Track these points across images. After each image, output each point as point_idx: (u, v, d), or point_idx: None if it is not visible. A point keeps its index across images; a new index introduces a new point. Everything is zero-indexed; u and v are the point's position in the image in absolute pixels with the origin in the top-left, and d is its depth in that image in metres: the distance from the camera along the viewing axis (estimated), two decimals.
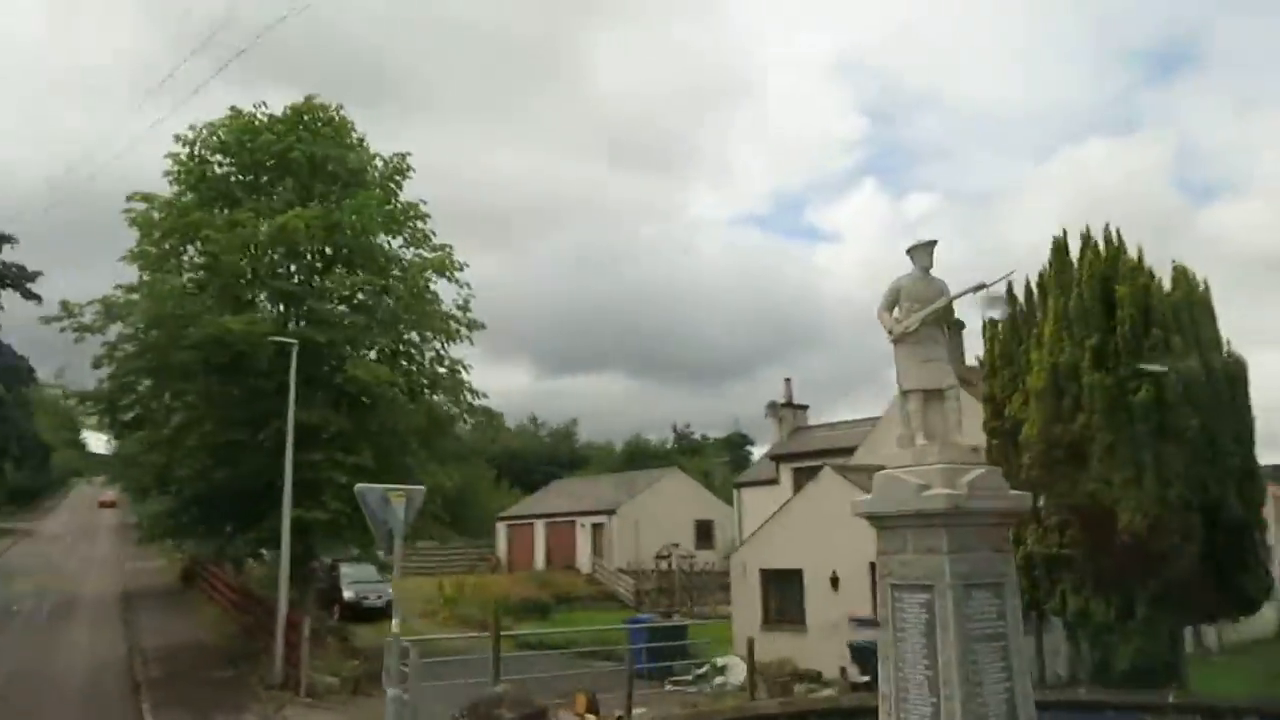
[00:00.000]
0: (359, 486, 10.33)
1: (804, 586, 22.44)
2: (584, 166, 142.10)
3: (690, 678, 19.04)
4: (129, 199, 21.61)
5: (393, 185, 24.38)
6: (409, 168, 23.96)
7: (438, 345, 23.82)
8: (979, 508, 8.67)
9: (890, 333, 9.51)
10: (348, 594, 32.61)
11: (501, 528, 56.70)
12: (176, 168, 22.44)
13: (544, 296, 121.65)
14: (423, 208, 24.28)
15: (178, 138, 22.21)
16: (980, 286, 9.37)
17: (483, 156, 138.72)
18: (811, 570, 22.24)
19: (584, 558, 49.96)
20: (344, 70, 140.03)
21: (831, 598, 21.56)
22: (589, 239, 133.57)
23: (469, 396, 24.03)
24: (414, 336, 22.63)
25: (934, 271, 9.64)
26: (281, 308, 21.21)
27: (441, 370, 23.82)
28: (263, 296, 21.13)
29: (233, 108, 23.13)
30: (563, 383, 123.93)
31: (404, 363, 22.42)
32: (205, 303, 19.87)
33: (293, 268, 21.48)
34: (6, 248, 38.00)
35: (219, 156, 22.93)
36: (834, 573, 21.50)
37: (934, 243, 9.67)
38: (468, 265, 23.91)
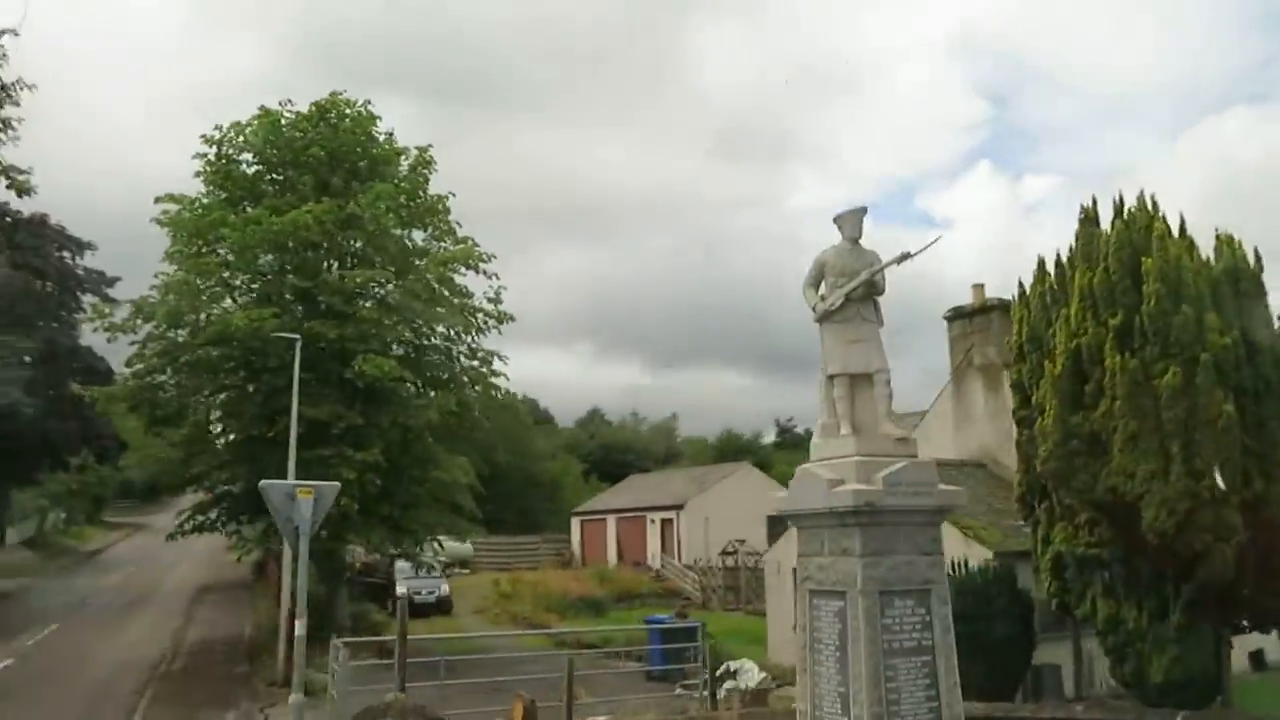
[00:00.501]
0: (262, 483, 9.94)
1: None
2: (690, 160, 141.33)
3: (698, 681, 18.23)
4: (157, 200, 22.04)
5: (419, 178, 24.32)
6: (432, 160, 23.84)
7: (467, 338, 23.68)
8: (898, 505, 7.74)
9: (814, 310, 8.60)
10: (400, 590, 32.74)
11: (576, 522, 56.56)
12: (205, 167, 22.75)
13: (654, 291, 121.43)
14: (448, 201, 24.22)
15: (205, 138, 22.55)
16: (905, 256, 8.38)
17: (593, 153, 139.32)
18: None
19: (654, 553, 49.35)
20: (454, 73, 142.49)
21: None
22: (697, 232, 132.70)
23: (497, 390, 23.77)
24: (437, 329, 22.41)
25: (865, 242, 8.72)
26: (300, 304, 21.26)
27: (474, 363, 23.67)
28: (283, 293, 21.21)
29: (261, 107, 23.35)
30: (672, 377, 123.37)
31: (429, 356, 22.27)
32: (224, 300, 20.05)
33: (305, 262, 21.50)
34: (88, 254, 39.49)
35: (246, 155, 23.18)
36: None
37: (863, 210, 8.73)
38: (495, 257, 23.73)
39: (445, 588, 32.98)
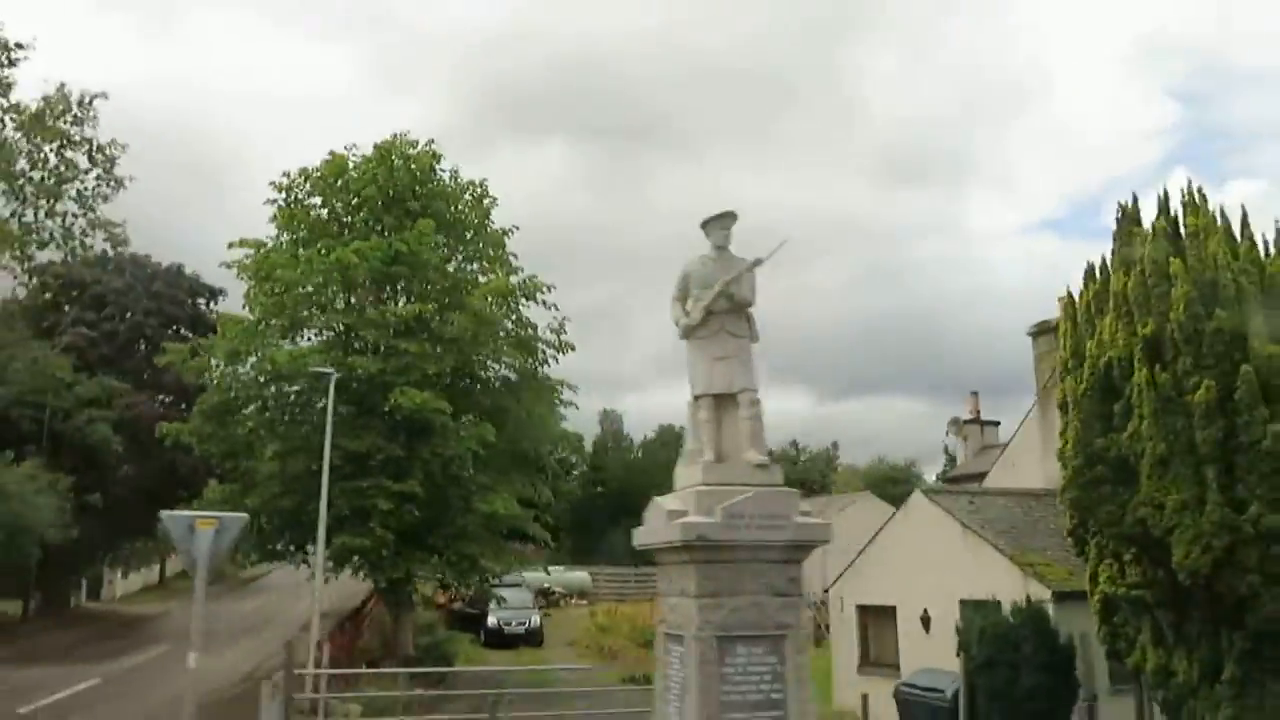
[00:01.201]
0: (163, 513, 9.97)
1: (897, 626, 19.86)
2: (857, 186, 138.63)
3: None
4: (230, 245, 23.23)
5: (482, 213, 24.78)
6: (485, 194, 24.24)
7: (527, 368, 23.83)
8: (741, 540, 6.94)
9: (677, 326, 7.90)
10: (490, 620, 32.99)
11: None
12: (277, 212, 23.82)
13: (823, 320, 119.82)
14: (508, 234, 24.60)
15: (274, 184, 23.61)
16: (756, 262, 7.60)
17: (754, 186, 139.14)
18: (904, 607, 19.64)
19: None
20: (616, 118, 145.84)
21: (923, 641, 18.88)
22: (870, 260, 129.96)
23: (562, 422, 23.73)
24: (486, 360, 22.55)
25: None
26: (344, 338, 21.84)
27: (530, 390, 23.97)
28: (332, 328, 21.85)
29: (331, 152, 24.27)
30: (840, 406, 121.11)
31: (474, 387, 22.46)
32: (279, 338, 20.85)
33: (352, 299, 22.09)
34: (221, 299, 42.03)
35: (315, 199, 24.13)
36: (925, 611, 18.83)
37: (729, 215, 7.97)
38: (554, 288, 23.86)
39: (536, 619, 32.96)
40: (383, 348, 20.75)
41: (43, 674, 23.31)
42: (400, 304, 21.38)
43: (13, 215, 25.42)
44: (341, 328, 21.53)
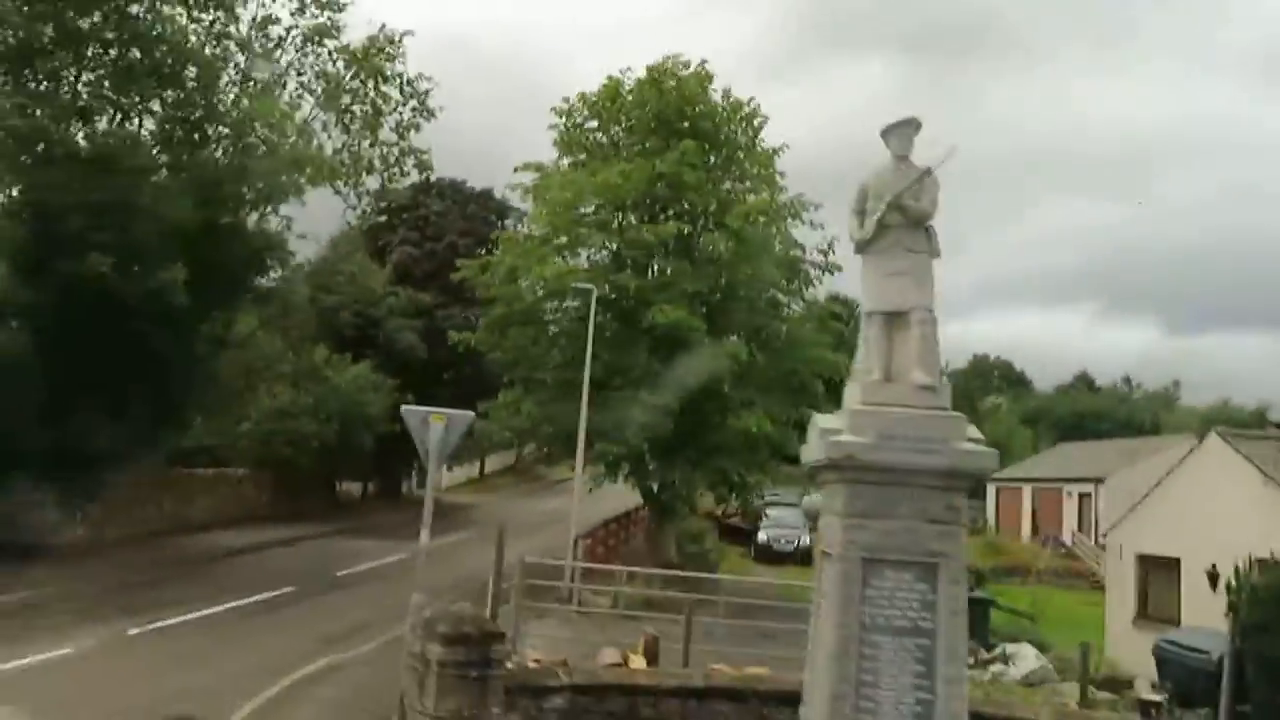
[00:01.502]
0: (404, 408, 11.08)
1: (1181, 579, 18.00)
2: (1227, 91, 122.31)
3: (971, 661, 16.59)
4: (516, 169, 24.93)
5: (751, 132, 24.72)
6: (755, 113, 24.06)
7: (791, 288, 23.85)
8: (893, 462, 6.72)
9: (853, 240, 7.62)
10: (760, 536, 33.70)
11: (991, 489, 53.03)
12: (558, 137, 25.15)
13: (1177, 243, 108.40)
14: (776, 156, 24.42)
15: (555, 109, 24.88)
16: (927, 172, 7.08)
17: (1107, 94, 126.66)
18: (1189, 560, 17.75)
19: (1070, 529, 44.61)
20: (933, 28, 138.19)
21: (1209, 599, 16.97)
22: (1233, 177, 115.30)
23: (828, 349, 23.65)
24: (749, 279, 22.68)
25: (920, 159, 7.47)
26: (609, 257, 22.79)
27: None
28: (600, 249, 22.88)
29: (608, 76, 25.14)
30: (1192, 341, 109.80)
31: (737, 305, 22.75)
32: (550, 257, 22.25)
33: (620, 220, 22.89)
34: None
35: (592, 122, 25.17)
36: (1213, 566, 16.90)
37: (910, 121, 7.52)
38: (819, 206, 23.55)
39: (806, 539, 33.16)
40: (647, 266, 21.54)
41: (365, 546, 27.11)
42: (663, 223, 21.93)
43: (343, 148, 28.71)
44: (613, 246, 22.51)
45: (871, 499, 6.80)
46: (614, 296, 21.42)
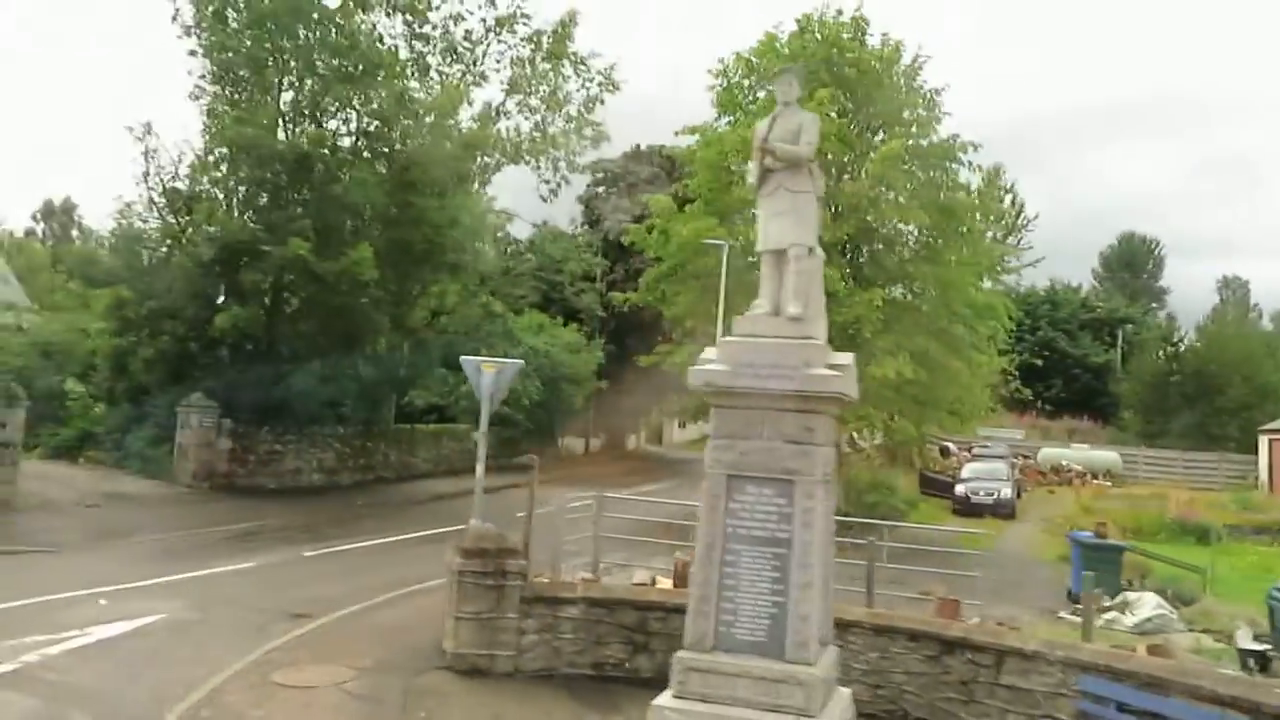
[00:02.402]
0: (462, 358, 12.50)
1: None
2: None
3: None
4: (676, 134, 25.94)
5: (913, 73, 24.30)
6: (899, 53, 23.57)
7: (953, 229, 23.37)
8: (747, 387, 7.44)
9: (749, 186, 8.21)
10: (958, 489, 32.76)
11: (1263, 441, 47.49)
12: (717, 97, 25.87)
13: None
14: (936, 96, 23.94)
15: (712, 71, 25.58)
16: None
17: None
18: None
19: None
20: None
21: None
22: None
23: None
24: (894, 224, 22.39)
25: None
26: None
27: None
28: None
29: (765, 32, 25.50)
30: None
31: (879, 251, 22.56)
32: (693, 213, 23.17)
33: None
34: None
35: (748, 80, 25.64)
36: None
37: (793, 69, 8.02)
38: (980, 146, 22.89)
39: (1007, 491, 31.92)
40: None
41: (564, 493, 29.51)
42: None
43: (534, 127, 31.00)
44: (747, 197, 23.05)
45: (735, 422, 7.48)
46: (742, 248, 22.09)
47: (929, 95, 24.14)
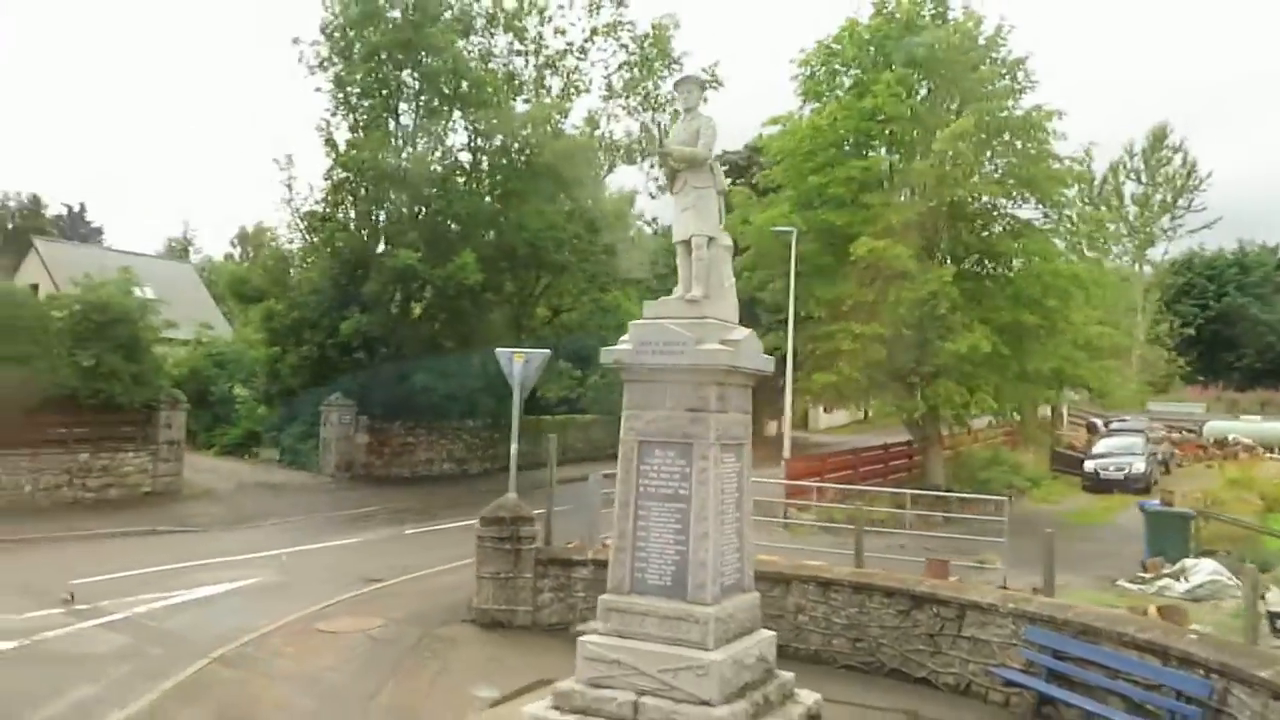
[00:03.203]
0: (497, 350, 13.82)
1: None
2: None
3: (1150, 576, 15.45)
4: (763, 125, 26.61)
5: (996, 43, 24.15)
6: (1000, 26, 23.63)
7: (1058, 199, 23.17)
8: (647, 363, 8.50)
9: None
10: (1087, 465, 31.67)
11: None
12: (803, 86, 26.36)
13: None
14: (1020, 66, 23.73)
15: (792, 61, 26.06)
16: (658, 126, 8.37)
17: None
18: None
19: None
20: None
21: None
22: None
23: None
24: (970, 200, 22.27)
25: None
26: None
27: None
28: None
29: (846, 18, 25.81)
30: None
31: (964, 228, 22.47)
32: (781, 206, 23.81)
33: (834, 156, 23.40)
34: None
35: (838, 66, 25.97)
36: None
37: (688, 79, 8.99)
38: (1065, 115, 22.52)
39: (1140, 466, 30.58)
40: (854, 200, 22.15)
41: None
42: (867, 157, 22.40)
43: (640, 128, 32.34)
44: (822, 184, 23.37)
45: (642, 394, 8.52)
46: (823, 235, 22.53)
47: (1011, 65, 23.81)
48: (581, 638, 8.41)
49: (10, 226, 57.22)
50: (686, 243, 8.75)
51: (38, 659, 9.90)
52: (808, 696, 8.94)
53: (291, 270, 28.38)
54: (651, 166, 32.44)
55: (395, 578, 14.21)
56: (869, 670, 10.80)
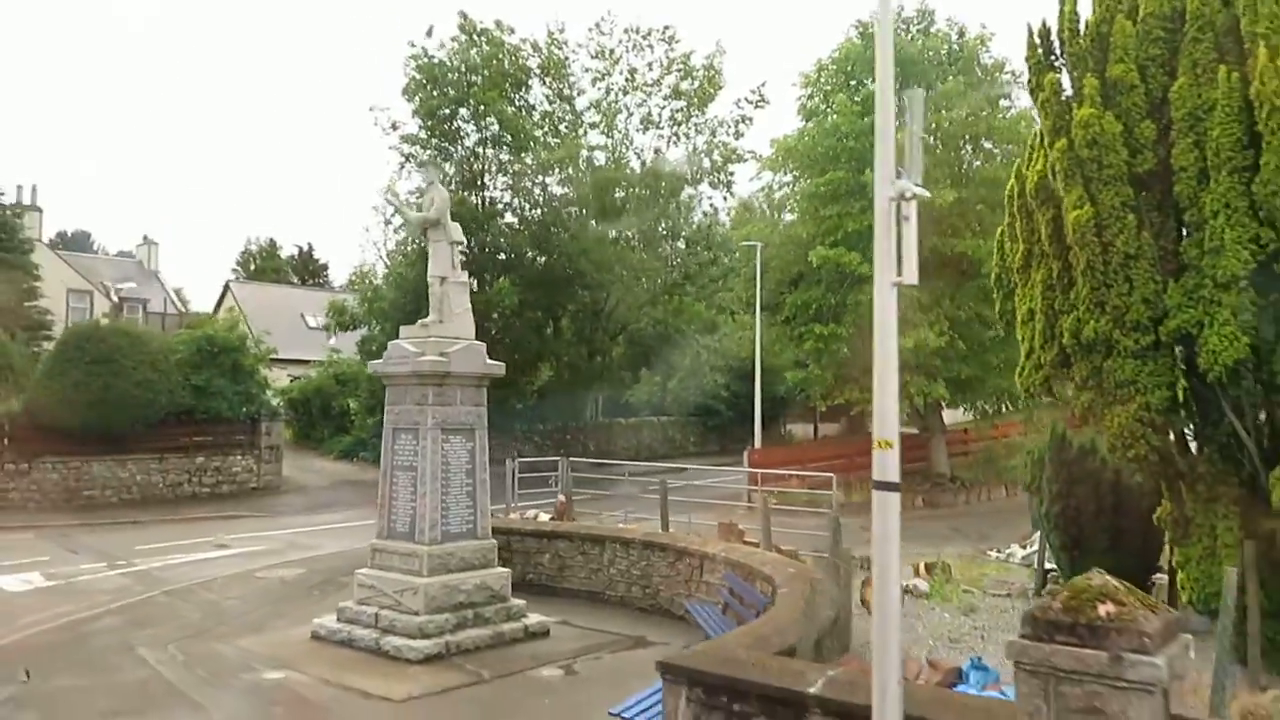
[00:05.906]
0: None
1: None
2: None
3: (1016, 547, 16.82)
4: (773, 144, 28.86)
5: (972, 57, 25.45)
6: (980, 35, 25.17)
7: None
8: (387, 372, 11.92)
9: None
10: None
11: None
12: (804, 102, 28.42)
13: None
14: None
15: (794, 83, 28.27)
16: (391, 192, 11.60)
17: None
18: None
19: None
20: None
21: None
22: None
23: None
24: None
25: None
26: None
27: None
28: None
29: (848, 39, 27.72)
30: None
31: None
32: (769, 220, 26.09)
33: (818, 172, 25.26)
34: None
35: (828, 89, 27.85)
36: None
37: (430, 162, 12.04)
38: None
39: None
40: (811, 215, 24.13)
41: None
42: (833, 172, 24.33)
43: (691, 155, 35.14)
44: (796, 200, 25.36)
45: (393, 394, 11.85)
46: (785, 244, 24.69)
47: (992, 71, 24.98)
48: (357, 570, 11.81)
49: (253, 267, 66.25)
50: (434, 279, 11.99)
51: (60, 592, 14.31)
52: (534, 619, 11.91)
53: (382, 299, 33.29)
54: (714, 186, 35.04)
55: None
56: (651, 611, 13.46)
